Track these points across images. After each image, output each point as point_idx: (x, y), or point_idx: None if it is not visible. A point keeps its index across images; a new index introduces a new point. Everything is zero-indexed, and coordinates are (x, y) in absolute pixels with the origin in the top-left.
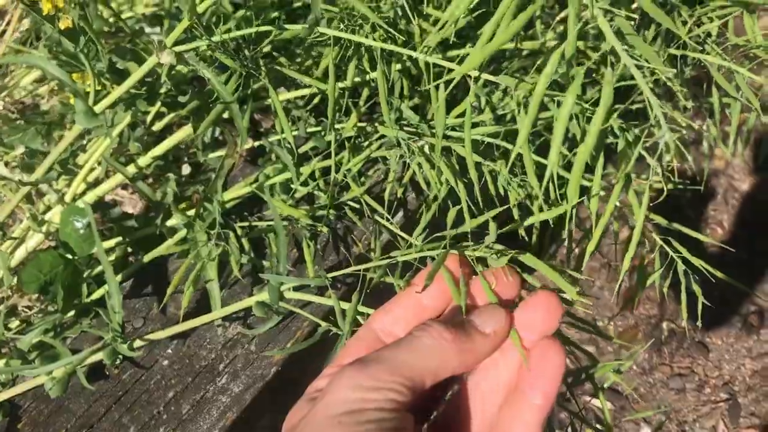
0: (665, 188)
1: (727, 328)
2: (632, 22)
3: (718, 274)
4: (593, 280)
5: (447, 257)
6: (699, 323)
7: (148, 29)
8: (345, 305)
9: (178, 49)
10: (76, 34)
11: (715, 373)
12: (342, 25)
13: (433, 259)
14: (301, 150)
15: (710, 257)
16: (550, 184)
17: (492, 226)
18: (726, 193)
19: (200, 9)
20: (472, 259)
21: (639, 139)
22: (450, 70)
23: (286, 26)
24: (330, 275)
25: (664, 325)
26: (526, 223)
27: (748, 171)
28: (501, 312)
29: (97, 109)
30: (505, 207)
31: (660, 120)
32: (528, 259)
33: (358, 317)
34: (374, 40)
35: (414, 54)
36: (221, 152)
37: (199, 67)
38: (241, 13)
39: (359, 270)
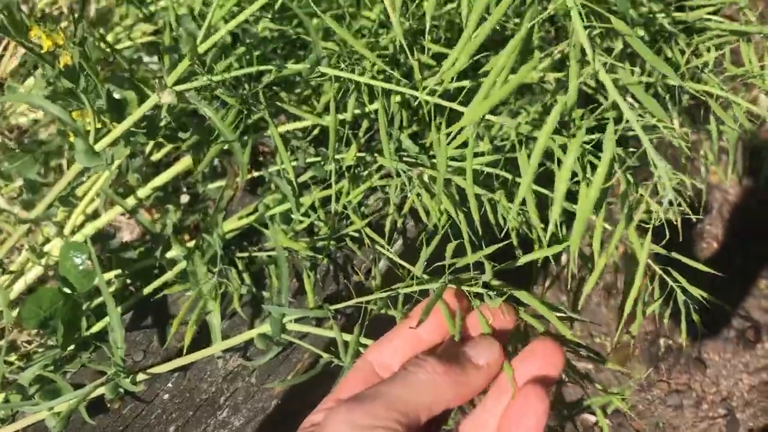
0: (667, 233)
1: (723, 344)
2: (634, 75)
3: (709, 297)
4: (590, 297)
5: (444, 291)
6: (697, 339)
7: (146, 58)
8: (346, 337)
9: (179, 88)
10: (75, 72)
11: (712, 389)
12: (341, 63)
13: (434, 291)
14: (301, 179)
15: (706, 262)
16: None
17: (487, 266)
18: (721, 207)
19: (201, 49)
20: (469, 293)
21: (640, 182)
22: (452, 112)
23: (287, 65)
24: (332, 307)
25: (661, 341)
26: (525, 260)
27: (741, 184)
28: (494, 344)
29: (98, 147)
30: (506, 242)
31: (664, 181)
32: (524, 296)
33: (360, 348)
34: (374, 75)
35: (415, 94)
36: (220, 183)
37: (200, 105)
38: (241, 49)
39: (361, 302)
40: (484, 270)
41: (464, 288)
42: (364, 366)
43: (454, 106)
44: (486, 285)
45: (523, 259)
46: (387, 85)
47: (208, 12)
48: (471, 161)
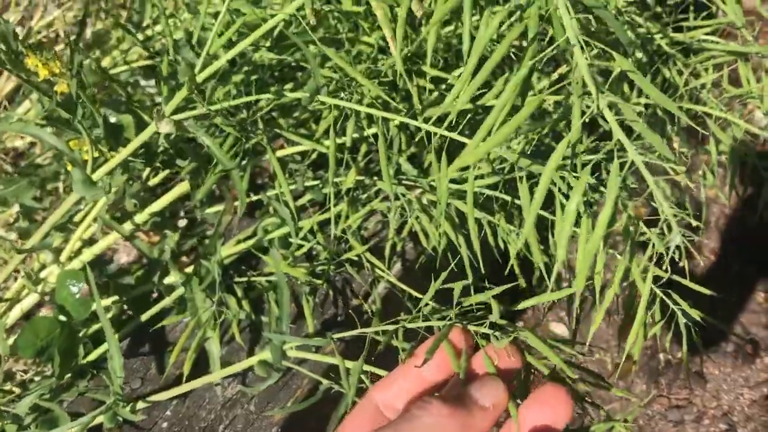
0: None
1: (723, 358)
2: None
3: (708, 317)
4: (588, 314)
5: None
6: (696, 354)
7: (143, 82)
8: (348, 363)
9: (177, 117)
10: (72, 102)
11: (713, 404)
12: (340, 90)
13: (439, 328)
14: (299, 203)
15: (704, 276)
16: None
17: (495, 306)
18: (718, 221)
19: (200, 79)
20: (475, 333)
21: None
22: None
23: (286, 93)
24: (336, 336)
25: (661, 356)
26: (530, 303)
27: (738, 197)
28: (500, 384)
29: (96, 176)
30: (513, 284)
31: (672, 225)
32: (530, 338)
33: (362, 376)
34: (373, 101)
35: (417, 124)
36: (219, 207)
37: (198, 134)
38: (239, 76)
39: (364, 333)
40: (485, 296)
41: (471, 327)
42: (369, 405)
43: (455, 136)
44: (493, 325)
45: (529, 303)
46: (386, 114)
47: (206, 37)
48: (472, 186)
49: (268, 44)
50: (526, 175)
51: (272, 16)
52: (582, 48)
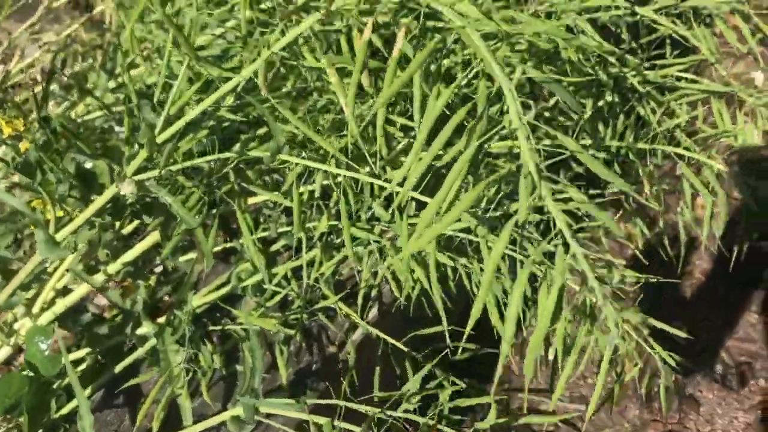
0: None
1: (716, 381)
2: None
3: (684, 360)
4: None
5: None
6: (688, 377)
7: (117, 128)
8: (320, 420)
9: (138, 177)
10: (32, 166)
11: (707, 428)
12: (303, 144)
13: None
14: (273, 248)
15: (696, 297)
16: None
17: (493, 407)
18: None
19: (160, 140)
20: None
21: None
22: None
23: (248, 152)
24: (310, 401)
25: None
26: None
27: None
28: None
29: (59, 236)
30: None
31: (611, 325)
32: None
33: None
34: (338, 153)
35: (381, 183)
36: (192, 255)
37: (160, 194)
38: (203, 132)
39: (337, 404)
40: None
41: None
42: None
43: (417, 195)
44: None
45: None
46: (345, 173)
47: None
48: (434, 252)
49: (231, 101)
50: (490, 228)
51: (230, 78)
52: (528, 135)
